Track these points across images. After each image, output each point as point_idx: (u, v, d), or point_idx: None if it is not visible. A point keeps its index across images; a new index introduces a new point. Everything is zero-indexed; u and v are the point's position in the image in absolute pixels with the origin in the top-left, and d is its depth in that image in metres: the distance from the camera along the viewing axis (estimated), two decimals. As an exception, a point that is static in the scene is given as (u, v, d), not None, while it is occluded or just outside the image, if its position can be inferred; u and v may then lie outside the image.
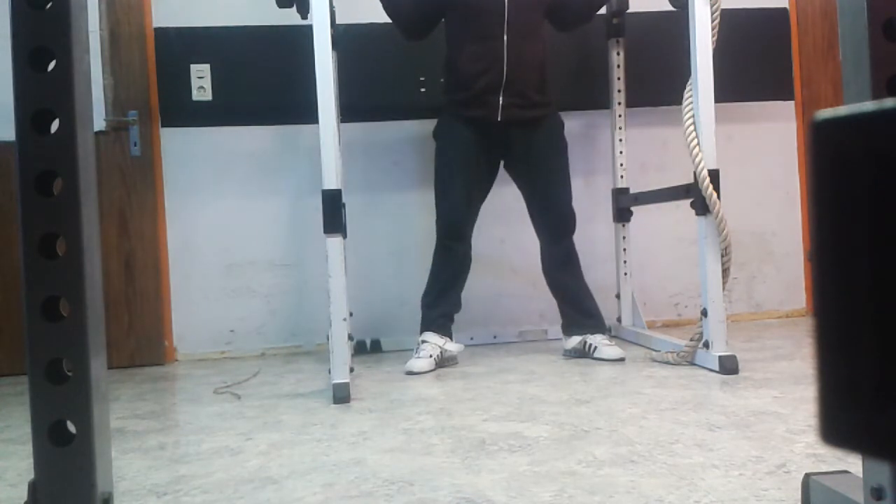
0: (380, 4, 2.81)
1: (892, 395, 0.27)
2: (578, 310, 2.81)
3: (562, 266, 2.84)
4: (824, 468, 1.29)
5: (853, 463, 1.17)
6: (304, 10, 2.58)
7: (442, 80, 2.91)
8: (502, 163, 2.88)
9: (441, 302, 2.78)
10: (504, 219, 3.35)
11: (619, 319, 3.30)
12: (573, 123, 3.44)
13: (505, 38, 2.70)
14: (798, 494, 1.14)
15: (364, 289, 3.27)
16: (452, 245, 2.78)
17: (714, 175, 2.41)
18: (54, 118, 0.87)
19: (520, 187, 2.89)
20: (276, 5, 2.64)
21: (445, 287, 2.79)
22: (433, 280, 2.82)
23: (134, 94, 3.28)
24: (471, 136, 2.76)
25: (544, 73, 2.82)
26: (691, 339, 2.48)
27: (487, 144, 2.78)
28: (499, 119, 2.73)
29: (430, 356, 2.66)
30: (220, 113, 3.34)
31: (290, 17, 2.94)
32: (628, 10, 3.28)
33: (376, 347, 3.28)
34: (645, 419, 1.80)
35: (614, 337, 3.09)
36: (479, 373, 2.59)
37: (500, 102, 2.73)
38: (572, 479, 1.37)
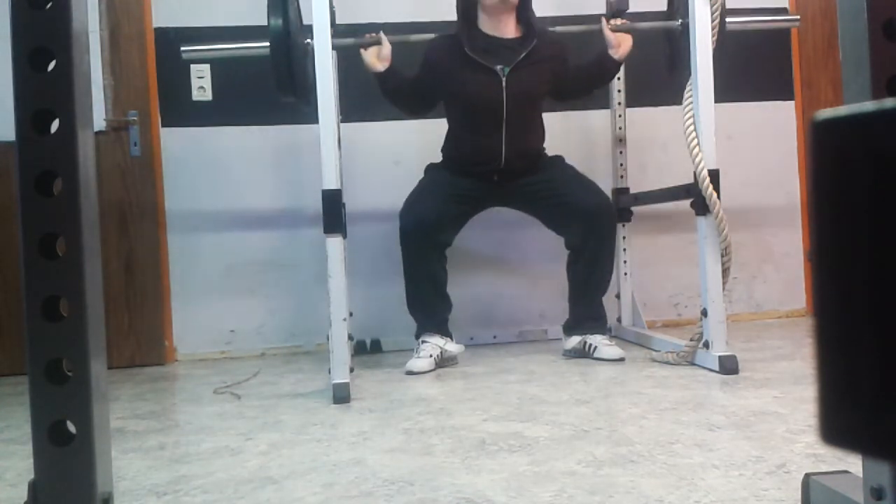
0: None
1: (892, 395, 0.27)
2: (586, 309, 2.79)
3: (591, 261, 2.75)
4: (824, 468, 1.29)
5: (853, 463, 1.17)
6: (304, 102, 2.61)
7: (444, 140, 2.91)
8: (509, 207, 2.92)
9: (433, 305, 2.75)
10: (504, 219, 3.35)
11: (619, 319, 3.30)
12: (573, 123, 3.44)
13: (503, 132, 2.72)
14: (798, 494, 1.14)
15: (364, 289, 3.27)
16: (418, 243, 2.68)
17: (714, 175, 2.41)
18: (54, 118, 0.87)
19: (539, 214, 2.88)
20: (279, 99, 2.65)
21: (430, 290, 2.73)
22: (412, 286, 2.74)
23: (134, 94, 3.28)
24: (461, 181, 2.78)
25: (541, 152, 2.84)
26: (691, 339, 2.48)
27: (479, 192, 2.80)
28: (493, 181, 2.78)
29: (431, 356, 2.66)
30: (220, 113, 3.34)
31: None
32: (628, 10, 3.28)
33: (376, 347, 3.27)
34: (645, 419, 1.80)
35: (614, 337, 3.09)
36: (479, 373, 2.59)
37: (496, 178, 2.78)
38: (572, 479, 1.37)
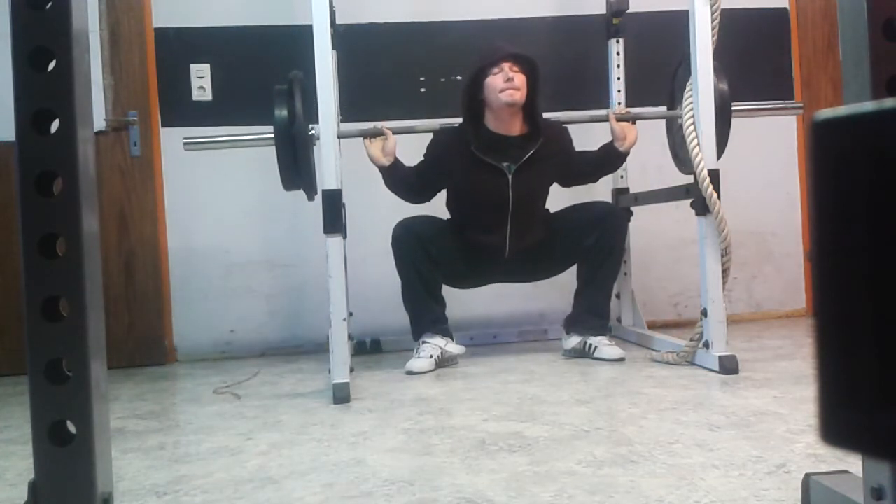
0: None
1: (892, 395, 0.27)
2: (589, 306, 2.78)
3: (601, 258, 2.75)
4: (824, 468, 1.29)
5: (853, 463, 1.17)
6: (310, 194, 2.59)
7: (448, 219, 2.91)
8: (506, 278, 2.93)
9: (427, 304, 2.75)
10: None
11: (619, 319, 3.30)
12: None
13: (508, 227, 2.73)
14: (798, 494, 1.14)
15: (364, 289, 3.27)
16: (406, 249, 2.70)
17: (714, 175, 2.41)
18: (54, 118, 0.87)
19: (545, 273, 2.91)
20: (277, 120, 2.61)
21: (422, 289, 2.74)
22: (405, 284, 2.75)
23: (134, 94, 3.28)
24: (464, 246, 2.79)
25: (547, 231, 2.82)
26: (691, 339, 2.48)
27: (479, 262, 2.82)
28: (504, 257, 2.79)
29: (431, 356, 2.66)
30: (220, 113, 3.34)
31: (290, 17, 2.94)
32: (628, 10, 3.28)
33: (376, 347, 3.27)
34: (645, 419, 1.80)
35: (614, 337, 3.08)
36: (479, 373, 2.59)
37: (502, 260, 2.79)
38: (572, 479, 1.37)
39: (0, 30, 0.95)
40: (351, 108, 3.26)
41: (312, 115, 2.36)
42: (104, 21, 3.22)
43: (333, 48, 2.46)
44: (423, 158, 2.82)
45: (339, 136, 2.55)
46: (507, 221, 2.72)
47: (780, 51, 3.62)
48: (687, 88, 2.51)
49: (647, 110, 2.89)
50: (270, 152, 3.43)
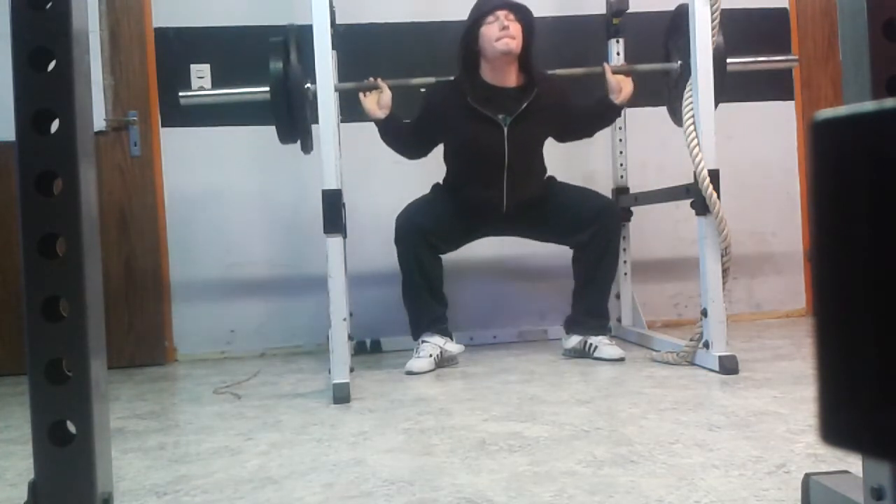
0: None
1: (892, 395, 0.27)
2: (589, 307, 2.78)
3: (597, 257, 2.75)
4: (824, 468, 1.29)
5: (853, 463, 1.17)
6: (307, 148, 2.61)
7: (444, 179, 2.91)
8: (508, 234, 2.94)
9: (428, 302, 2.74)
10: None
11: (619, 319, 3.30)
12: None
13: (504, 181, 2.72)
14: (798, 494, 1.14)
15: (364, 289, 3.27)
16: (411, 247, 2.70)
17: (714, 175, 2.41)
18: (54, 118, 0.87)
19: (541, 235, 2.90)
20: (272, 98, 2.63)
21: (424, 287, 2.73)
22: (407, 281, 2.74)
23: (134, 94, 3.28)
24: (467, 210, 2.79)
25: (545, 189, 2.83)
26: (691, 339, 2.48)
27: (481, 223, 2.82)
28: (502, 212, 2.79)
29: (430, 356, 2.66)
30: (220, 113, 3.34)
31: (290, 17, 2.94)
32: (628, 10, 3.28)
33: (376, 347, 3.27)
34: (645, 419, 1.80)
35: (614, 337, 3.08)
36: (479, 373, 2.59)
37: (501, 216, 2.78)
38: (572, 479, 1.37)
39: (0, 30, 0.95)
40: (351, 108, 3.25)
41: (308, 68, 2.39)
42: (104, 21, 3.22)
43: (333, 48, 2.46)
44: (418, 113, 2.82)
45: (336, 90, 2.56)
46: (503, 174, 2.71)
47: (780, 51, 3.62)
48: (687, 88, 2.51)
49: (643, 66, 2.88)
50: (269, 152, 3.43)
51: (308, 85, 2.54)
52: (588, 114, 2.87)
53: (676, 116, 2.75)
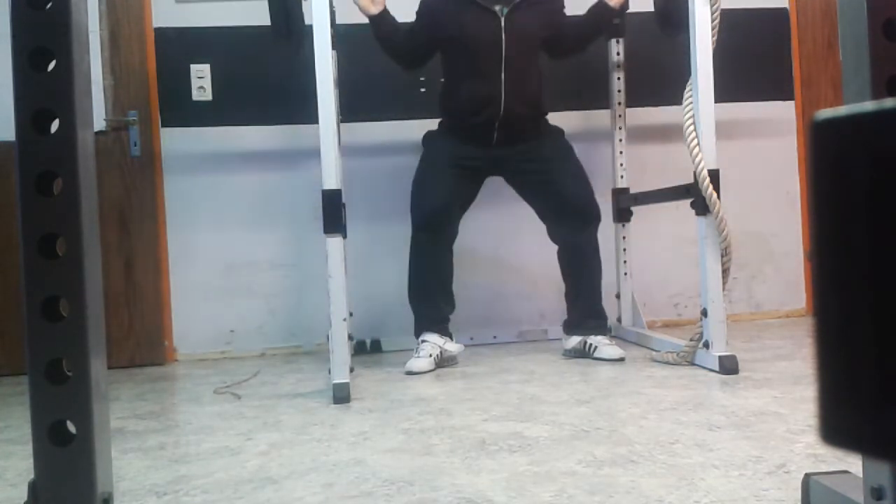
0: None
1: (892, 395, 0.27)
2: (584, 308, 2.78)
3: (580, 257, 2.77)
4: (824, 468, 1.29)
5: (853, 463, 1.17)
6: (297, 48, 2.59)
7: (440, 95, 2.90)
8: (504, 179, 2.88)
9: (435, 302, 2.74)
10: (504, 219, 3.35)
11: (619, 319, 3.30)
12: (573, 123, 3.44)
13: (502, 76, 2.69)
14: (798, 494, 1.14)
15: (364, 289, 3.27)
16: (432, 237, 2.70)
17: (714, 175, 2.41)
18: (54, 118, 0.87)
19: (529, 198, 2.86)
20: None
21: (435, 286, 2.73)
22: (418, 279, 2.75)
23: (134, 94, 3.28)
24: (461, 149, 2.76)
25: (541, 106, 2.83)
26: (691, 339, 2.48)
27: (478, 160, 2.78)
28: (493, 143, 2.75)
29: (430, 356, 2.66)
30: (220, 113, 3.34)
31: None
32: (628, 10, 3.27)
33: (376, 347, 3.27)
34: (645, 419, 1.80)
35: (614, 337, 3.08)
36: (479, 373, 2.59)
37: (496, 135, 2.74)
38: (572, 479, 1.37)
39: (0, 30, 0.95)
40: (351, 108, 3.26)
41: None
42: (104, 21, 3.22)
43: (333, 48, 2.46)
44: (416, 14, 2.81)
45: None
46: (501, 69, 2.68)
47: (780, 50, 3.62)
48: (687, 88, 2.51)
49: None
50: (269, 152, 3.43)
51: None
52: (582, 20, 2.85)
53: (671, 27, 2.71)
